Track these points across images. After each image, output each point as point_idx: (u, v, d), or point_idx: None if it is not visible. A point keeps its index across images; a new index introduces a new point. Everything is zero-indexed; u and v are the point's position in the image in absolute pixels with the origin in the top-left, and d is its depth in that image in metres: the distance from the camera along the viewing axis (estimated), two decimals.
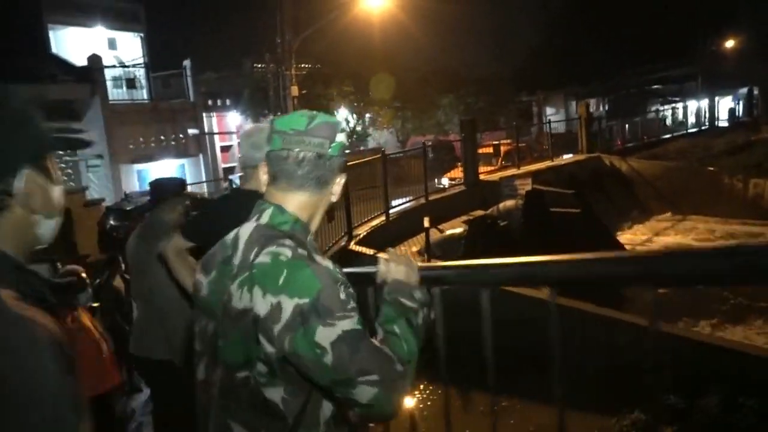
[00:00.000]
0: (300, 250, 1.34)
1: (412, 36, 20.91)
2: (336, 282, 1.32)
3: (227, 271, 1.40)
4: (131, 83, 19.44)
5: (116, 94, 19.24)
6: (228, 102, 23.26)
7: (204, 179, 21.29)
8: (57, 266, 4.63)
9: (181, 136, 20.73)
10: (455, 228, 10.48)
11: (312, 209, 1.48)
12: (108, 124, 18.07)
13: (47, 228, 1.06)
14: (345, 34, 18.98)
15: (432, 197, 12.39)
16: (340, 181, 1.51)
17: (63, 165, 18.29)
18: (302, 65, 19.12)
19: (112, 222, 12.97)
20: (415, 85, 23.17)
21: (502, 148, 17.84)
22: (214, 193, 21.29)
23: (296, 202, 1.44)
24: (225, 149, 23.89)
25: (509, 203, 11.50)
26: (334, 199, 1.52)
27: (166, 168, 20.32)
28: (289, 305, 1.26)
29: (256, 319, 1.29)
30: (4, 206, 0.97)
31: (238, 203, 2.15)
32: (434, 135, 26.53)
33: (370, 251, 8.47)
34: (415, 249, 9.48)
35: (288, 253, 1.32)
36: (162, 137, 20.14)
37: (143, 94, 20.70)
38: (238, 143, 2.67)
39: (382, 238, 9.84)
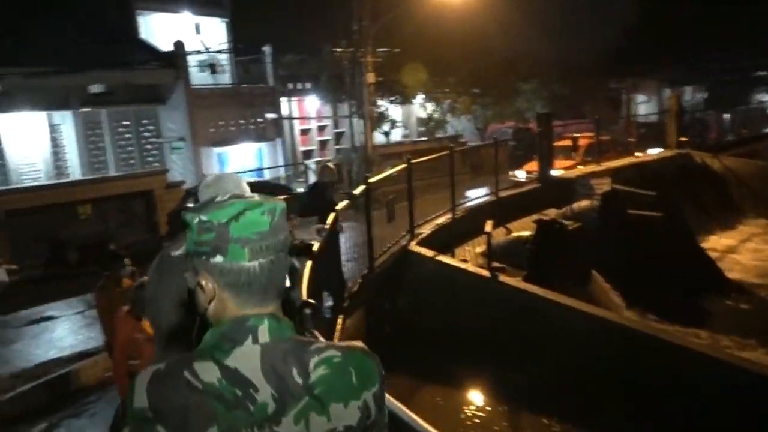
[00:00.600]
0: (337, 345, 1.25)
1: (493, 19, 20.18)
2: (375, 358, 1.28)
3: (244, 418, 1.12)
4: (213, 68, 19.93)
5: (199, 78, 19.79)
6: (308, 86, 23.45)
7: (281, 163, 21.63)
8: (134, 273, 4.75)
9: (259, 120, 21.12)
10: (525, 229, 10.07)
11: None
12: (190, 108, 18.62)
13: None
14: (424, 20, 18.58)
15: (503, 194, 11.98)
16: None
17: (149, 146, 19.09)
18: (380, 50, 18.90)
19: (188, 204, 13.32)
20: (496, 71, 22.44)
21: (581, 142, 16.99)
22: (291, 176, 21.64)
23: (276, 307, 1.22)
24: (304, 132, 24.17)
25: (584, 204, 10.92)
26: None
27: (244, 151, 20.80)
28: (369, 398, 1.21)
29: (351, 428, 1.19)
30: None
31: None
32: (514, 122, 25.76)
33: (429, 253, 8.25)
34: (479, 250, 9.18)
35: (337, 353, 1.20)
36: (241, 121, 20.59)
37: (225, 79, 21.21)
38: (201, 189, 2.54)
39: (446, 238, 9.58)
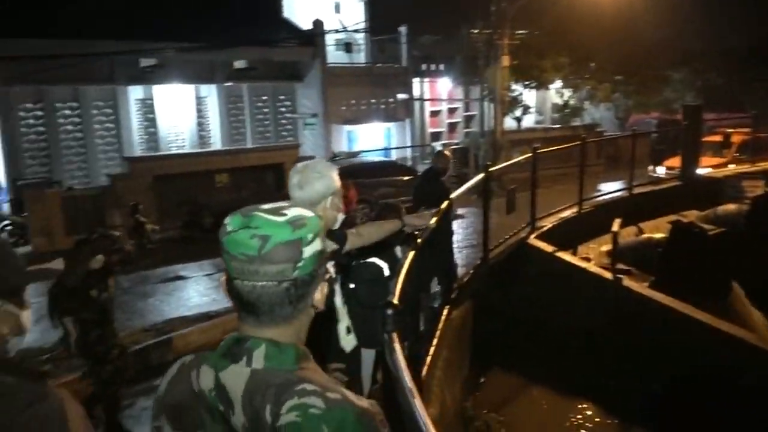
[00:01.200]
0: (331, 395, 1.10)
1: (640, 1, 18.76)
2: (378, 428, 1.12)
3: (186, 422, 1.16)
4: (349, 47, 20.30)
5: (335, 57, 20.26)
6: (441, 67, 23.26)
7: (409, 144, 21.72)
8: None
9: (390, 100, 21.29)
10: (659, 230, 9.33)
11: (299, 329, 1.22)
12: (325, 86, 19.15)
13: (14, 345, 1.34)
14: (564, 2, 17.66)
15: (637, 190, 11.12)
16: (323, 287, 1.23)
17: (283, 121, 19.90)
18: (517, 32, 18.25)
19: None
20: (642, 57, 20.88)
21: (735, 138, 15.40)
22: (418, 157, 21.67)
23: (283, 333, 1.18)
24: (434, 114, 24.08)
25: (731, 207, 9.89)
26: (319, 307, 1.24)
27: (373, 130, 21.10)
28: None
29: None
30: None
31: None
32: (659, 113, 23.96)
33: (549, 248, 7.85)
34: (604, 249, 8.62)
35: (320, 403, 1.08)
36: (373, 100, 20.87)
37: (360, 58, 21.54)
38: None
39: (570, 234, 9.07)
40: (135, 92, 16.99)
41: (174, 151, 17.39)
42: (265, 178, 15.13)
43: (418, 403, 1.37)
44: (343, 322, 2.68)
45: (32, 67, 13.89)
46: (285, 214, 1.17)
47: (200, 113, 18.33)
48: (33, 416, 1.17)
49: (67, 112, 16.07)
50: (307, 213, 1.20)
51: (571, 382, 6.29)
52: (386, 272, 3.76)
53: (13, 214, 13.76)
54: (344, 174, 10.45)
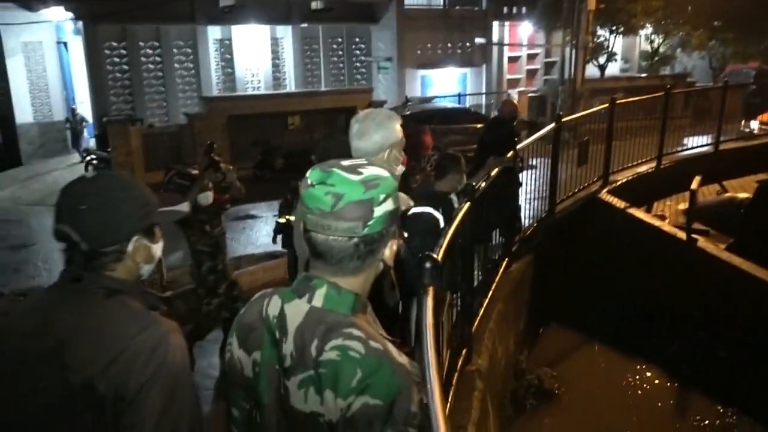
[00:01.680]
0: (373, 344, 1.20)
1: None
2: (412, 387, 1.19)
3: (277, 357, 1.27)
4: None
5: None
6: (523, 11, 22.24)
7: (484, 90, 21.13)
8: None
9: (467, 44, 20.66)
10: (745, 190, 8.76)
11: (364, 281, 1.32)
12: (400, 29, 18.76)
13: (147, 270, 1.57)
14: None
15: (725, 146, 10.44)
16: (392, 245, 1.31)
17: (357, 64, 19.74)
18: None
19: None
20: (745, 2, 19.19)
21: None
22: (493, 104, 21.09)
23: (348, 281, 1.28)
24: (513, 60, 23.23)
25: None
26: (388, 263, 1.34)
27: (448, 75, 20.62)
28: (358, 403, 1.16)
29: (331, 425, 1.20)
30: (120, 259, 1.48)
31: None
32: (759, 63, 22.14)
33: (620, 204, 7.55)
34: (681, 207, 8.19)
35: (360, 348, 1.19)
36: (449, 44, 20.32)
37: (438, 0, 20.86)
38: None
39: (645, 190, 8.69)
40: (214, 32, 17.22)
41: (250, 92, 17.65)
42: (336, 121, 15.15)
43: (432, 359, 1.35)
44: (387, 277, 2.66)
45: (117, 5, 14.30)
46: (361, 173, 1.23)
47: (276, 55, 18.43)
48: (143, 341, 1.36)
49: (149, 51, 16.51)
50: (383, 173, 1.27)
51: (632, 342, 6.14)
52: (441, 223, 3.70)
53: (98, 149, 14.47)
54: (417, 119, 10.42)
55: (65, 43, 16.89)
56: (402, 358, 1.21)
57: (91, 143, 15.80)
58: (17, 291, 7.36)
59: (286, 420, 1.26)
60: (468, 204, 3.59)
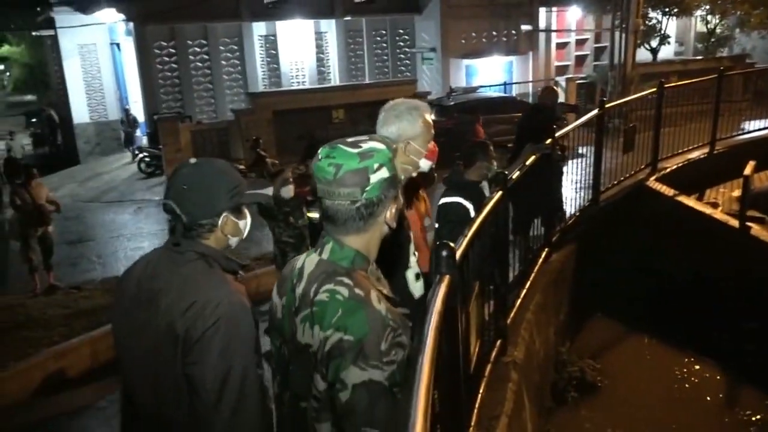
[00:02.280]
0: (357, 290, 1.41)
1: None
2: (385, 329, 1.36)
3: (292, 300, 1.52)
4: None
5: None
6: None
7: (531, 79, 20.74)
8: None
9: (513, 32, 20.31)
10: None
11: (368, 240, 1.52)
12: (443, 18, 18.60)
13: (234, 242, 1.88)
14: None
15: None
16: (392, 208, 1.51)
17: (401, 56, 19.67)
18: None
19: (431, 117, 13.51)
20: None
21: None
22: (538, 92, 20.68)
23: (351, 239, 1.49)
24: (561, 46, 22.71)
25: None
26: (391, 225, 1.53)
27: (493, 64, 20.32)
28: (335, 338, 1.36)
29: (314, 354, 1.41)
30: (211, 231, 1.81)
31: None
32: None
33: (669, 191, 7.29)
34: (735, 195, 7.86)
35: (345, 292, 1.40)
36: (494, 33, 20.02)
37: None
38: None
39: (697, 176, 8.35)
40: (258, 28, 17.47)
41: (295, 86, 17.84)
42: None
43: (429, 345, 1.34)
44: (413, 268, 2.64)
45: (165, 5, 14.67)
46: (360, 147, 1.45)
47: (320, 49, 18.56)
48: (213, 296, 1.68)
49: (197, 49, 16.89)
50: (379, 145, 1.47)
51: (681, 334, 5.94)
52: (472, 213, 3.65)
53: (150, 147, 14.91)
54: (462, 110, 10.35)
55: (118, 44, 17.47)
56: (381, 305, 1.39)
57: (144, 141, 16.30)
58: (72, 284, 7.69)
59: (295, 352, 1.48)
60: (500, 193, 3.52)
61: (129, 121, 16.58)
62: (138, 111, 16.96)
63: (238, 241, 1.92)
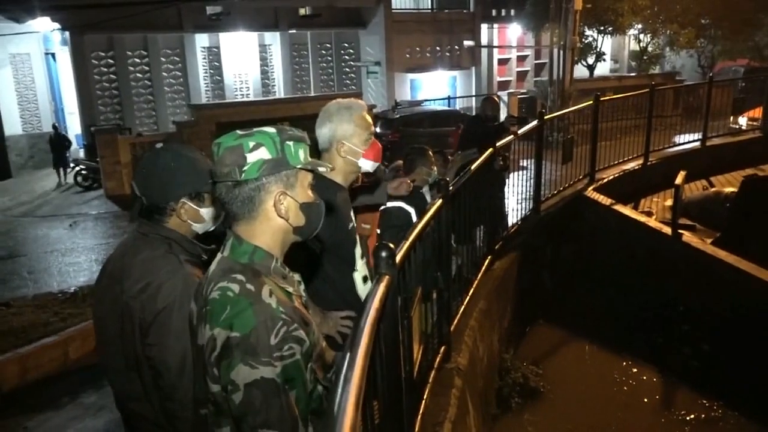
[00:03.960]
0: (249, 286, 1.34)
1: None
2: (275, 323, 1.30)
3: (201, 304, 1.45)
4: None
5: (400, 2, 19.74)
6: (511, 13, 22.29)
7: (474, 93, 21.14)
8: None
9: (456, 47, 20.69)
10: (732, 185, 8.74)
11: (268, 234, 1.45)
12: (388, 33, 18.78)
13: (198, 228, 1.94)
14: None
15: (712, 142, 10.46)
16: (282, 198, 1.43)
17: (347, 69, 19.74)
18: None
19: (376, 130, 13.64)
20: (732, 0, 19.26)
21: None
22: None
23: (246, 231, 1.44)
24: (502, 62, 23.28)
25: None
26: (293, 221, 1.46)
27: (437, 79, 20.63)
28: (222, 336, 1.29)
29: (207, 356, 1.34)
30: (170, 215, 1.89)
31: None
32: (748, 60, 22.22)
33: (606, 201, 7.53)
34: (668, 203, 8.18)
35: (236, 288, 1.34)
36: (438, 48, 20.34)
37: (426, 3, 20.89)
38: None
39: (632, 187, 8.68)
40: (201, 40, 17.21)
41: (239, 98, 17.63)
42: None
43: (364, 341, 1.31)
44: (361, 271, 2.62)
45: (104, 15, 14.28)
46: (247, 130, 1.44)
47: (264, 61, 18.42)
48: (166, 278, 1.75)
49: (137, 60, 16.50)
50: (267, 128, 1.45)
51: (620, 338, 6.11)
52: (414, 218, 3.66)
53: (87, 159, 14.41)
54: (407, 123, 10.41)
55: (53, 54, 16.87)
56: (271, 299, 1.33)
57: (80, 153, 15.74)
58: (1, 301, 7.32)
59: (196, 356, 1.42)
60: (441, 199, 3.54)
61: (57, 138, 14.64)
62: (75, 122, 16.38)
63: (202, 228, 1.95)
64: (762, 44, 21.26)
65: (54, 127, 15.29)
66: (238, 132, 1.44)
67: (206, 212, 1.94)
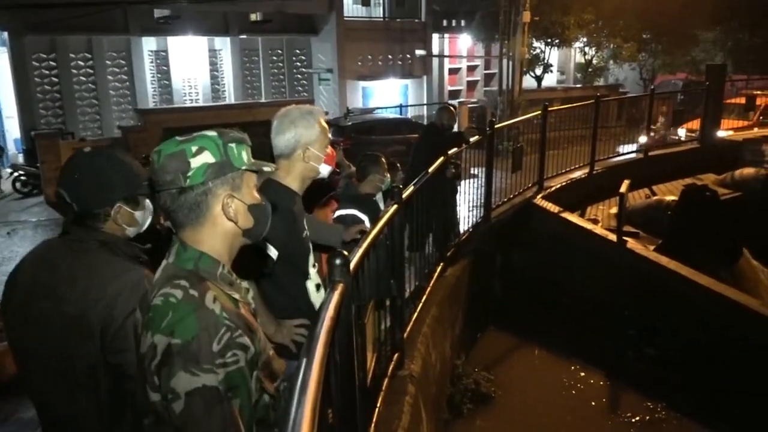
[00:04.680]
0: (192, 291, 1.30)
1: None
2: (217, 329, 1.27)
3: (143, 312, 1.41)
4: (366, 0, 19.74)
5: (352, 10, 19.77)
6: (462, 23, 22.63)
7: (425, 101, 21.33)
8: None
9: (408, 56, 20.85)
10: (673, 194, 9.08)
11: (216, 240, 1.41)
12: (340, 40, 18.77)
13: (132, 232, 1.89)
14: None
15: (654, 152, 10.85)
16: (229, 201, 1.39)
17: (299, 76, 19.63)
18: None
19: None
20: (672, 16, 20.05)
21: (760, 101, 14.83)
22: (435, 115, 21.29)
23: (192, 237, 1.40)
24: (453, 72, 23.58)
25: (748, 171, 9.59)
26: (241, 223, 1.42)
27: (389, 87, 20.74)
28: (163, 343, 1.25)
29: (147, 364, 1.29)
30: (105, 220, 1.83)
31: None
32: (686, 74, 23.18)
33: (554, 209, 7.70)
34: (613, 211, 8.43)
35: (179, 294, 1.30)
36: (389, 56, 20.45)
37: (378, 12, 20.97)
38: None
39: (579, 195, 8.91)
40: (149, 44, 16.82)
41: (188, 103, 17.30)
42: (271, 136, 15.00)
43: (320, 348, 1.30)
44: (314, 279, 2.59)
45: (46, 15, 13.78)
46: (187, 135, 1.40)
47: (214, 66, 18.14)
48: (123, 283, 1.69)
49: (81, 62, 15.98)
50: (207, 132, 1.41)
51: (568, 343, 6.24)
52: (367, 225, 3.66)
53: (26, 165, 13.85)
54: (359, 131, 10.42)
55: None
56: (215, 305, 1.29)
57: (19, 159, 15.13)
58: None
59: (138, 364, 1.35)
60: (395, 206, 3.55)
61: None
62: (14, 126, 15.74)
63: (135, 231, 1.91)
64: (699, 59, 22.22)
65: None
66: (178, 138, 1.39)
67: (140, 216, 1.91)
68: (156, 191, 1.39)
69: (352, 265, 2.27)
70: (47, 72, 15.51)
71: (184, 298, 1.29)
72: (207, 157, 1.36)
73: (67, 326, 1.69)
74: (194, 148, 1.36)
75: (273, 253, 2.33)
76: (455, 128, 7.17)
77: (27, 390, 1.85)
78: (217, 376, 1.23)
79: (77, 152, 1.87)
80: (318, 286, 2.64)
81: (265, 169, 1.49)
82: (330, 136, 2.53)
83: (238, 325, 1.31)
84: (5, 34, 14.74)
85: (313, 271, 2.63)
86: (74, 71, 15.88)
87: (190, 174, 1.35)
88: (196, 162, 1.35)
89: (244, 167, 1.41)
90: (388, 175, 4.06)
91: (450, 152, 5.45)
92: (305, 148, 2.41)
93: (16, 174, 13.62)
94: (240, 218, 1.41)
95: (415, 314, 4.52)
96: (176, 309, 1.27)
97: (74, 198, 1.79)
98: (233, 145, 1.41)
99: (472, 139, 6.32)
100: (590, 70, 22.54)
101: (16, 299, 1.80)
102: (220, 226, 1.40)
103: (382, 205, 3.94)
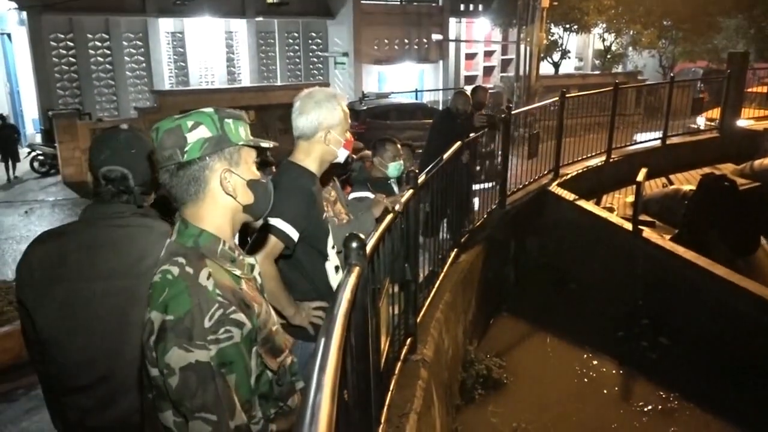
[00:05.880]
0: (188, 269, 1.33)
1: None
2: (210, 305, 1.29)
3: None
4: None
5: None
6: (479, 8, 22.41)
7: (441, 87, 21.21)
8: None
9: (424, 40, 20.71)
10: (691, 183, 8.97)
11: (217, 216, 1.43)
12: (357, 24, 18.68)
13: (149, 199, 1.98)
14: None
15: (672, 141, 10.70)
16: (227, 176, 1.40)
17: (314, 59, 19.57)
18: None
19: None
20: (694, 2, 19.71)
21: None
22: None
23: (193, 214, 1.42)
24: (470, 57, 23.40)
25: None
26: (241, 198, 1.43)
27: (405, 71, 20.63)
28: (158, 320, 1.28)
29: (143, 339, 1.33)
30: (149, 193, 1.95)
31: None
32: (707, 62, 22.81)
33: (570, 196, 7.64)
34: (629, 200, 8.35)
35: (175, 271, 1.32)
36: (406, 40, 20.32)
37: None
38: None
39: (595, 183, 8.81)
40: (165, 24, 16.84)
41: (203, 86, 17.33)
42: (292, 116, 14.99)
43: (338, 330, 1.30)
44: (333, 261, 2.59)
45: None
46: (184, 113, 1.41)
47: (230, 48, 18.14)
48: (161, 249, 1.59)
49: (98, 43, 16.05)
50: (203, 109, 1.42)
51: (581, 332, 6.21)
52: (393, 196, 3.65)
53: (44, 144, 13.98)
54: (373, 115, 10.37)
55: (8, 35, 16.28)
56: (208, 281, 1.31)
57: (37, 138, 15.26)
58: None
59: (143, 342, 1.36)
60: (411, 191, 3.54)
61: (4, 129, 13.28)
62: (32, 106, 15.86)
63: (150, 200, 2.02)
64: (720, 47, 21.84)
65: (1, 117, 14.00)
66: (175, 116, 1.41)
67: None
68: (159, 169, 1.42)
69: (368, 249, 2.27)
70: (65, 52, 15.59)
71: (180, 275, 1.31)
72: (203, 132, 1.38)
73: (122, 302, 1.75)
74: (190, 123, 1.37)
75: (294, 234, 2.33)
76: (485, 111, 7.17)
77: (52, 368, 1.83)
78: (209, 352, 1.26)
79: (115, 130, 1.93)
80: (337, 268, 2.64)
81: (263, 144, 1.48)
82: (350, 121, 2.52)
83: (232, 302, 1.33)
84: (23, 13, 14.82)
85: (332, 252, 2.63)
86: (91, 51, 15.95)
87: (187, 149, 1.36)
88: (192, 137, 1.37)
89: (241, 143, 1.42)
90: (402, 161, 4.04)
91: (466, 139, 5.42)
92: (327, 130, 2.40)
93: (33, 153, 13.75)
94: (239, 193, 1.42)
95: (429, 299, 4.52)
96: (171, 286, 1.30)
97: (134, 173, 1.87)
98: (230, 120, 1.41)
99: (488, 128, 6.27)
100: (609, 56, 22.27)
101: (59, 285, 1.79)
102: (220, 202, 1.41)
103: (396, 190, 3.93)
